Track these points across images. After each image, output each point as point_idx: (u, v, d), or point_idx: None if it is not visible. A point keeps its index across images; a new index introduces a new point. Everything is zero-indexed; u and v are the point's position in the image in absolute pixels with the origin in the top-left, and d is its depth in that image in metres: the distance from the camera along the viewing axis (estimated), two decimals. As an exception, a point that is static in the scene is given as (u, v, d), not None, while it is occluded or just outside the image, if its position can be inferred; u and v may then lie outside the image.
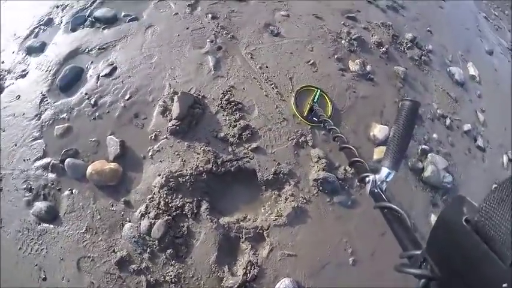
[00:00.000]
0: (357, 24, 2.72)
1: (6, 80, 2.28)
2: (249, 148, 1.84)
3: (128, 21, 2.41)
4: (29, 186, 1.84)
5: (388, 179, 0.90)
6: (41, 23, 2.55)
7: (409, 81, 2.54)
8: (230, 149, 1.82)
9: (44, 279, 1.64)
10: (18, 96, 2.15)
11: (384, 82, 2.40)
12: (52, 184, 1.82)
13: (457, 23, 3.85)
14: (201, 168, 1.73)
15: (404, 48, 2.80)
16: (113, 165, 1.78)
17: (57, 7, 2.64)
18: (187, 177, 1.71)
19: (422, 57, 2.86)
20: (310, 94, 2.08)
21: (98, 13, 2.47)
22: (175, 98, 1.88)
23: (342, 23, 2.63)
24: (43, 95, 2.10)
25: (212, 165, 1.74)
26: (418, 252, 0.56)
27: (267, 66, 2.16)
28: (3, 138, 2.01)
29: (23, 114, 2.06)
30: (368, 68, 2.37)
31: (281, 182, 1.80)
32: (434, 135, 2.36)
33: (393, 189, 1.97)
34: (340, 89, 2.19)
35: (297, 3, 2.68)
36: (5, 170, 1.90)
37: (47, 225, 1.74)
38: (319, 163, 1.86)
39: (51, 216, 1.75)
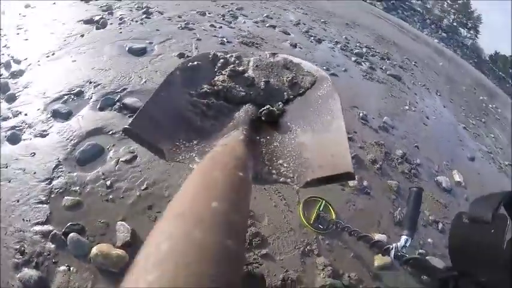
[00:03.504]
0: (354, 144, 2.98)
1: (24, 133, 2.26)
2: (259, 254, 1.89)
3: (154, 116, 2.59)
4: (22, 248, 1.71)
5: (407, 244, 1.15)
6: (71, 92, 2.62)
7: (401, 193, 2.70)
8: (240, 254, 1.92)
9: None
10: (33, 154, 2.12)
11: (379, 195, 2.55)
12: (49, 254, 1.72)
13: (440, 137, 4.27)
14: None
15: (395, 164, 3.04)
16: (120, 251, 1.72)
17: (90, 82, 2.75)
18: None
19: (412, 170, 3.14)
20: (315, 205, 2.18)
21: (127, 101, 2.57)
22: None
23: (341, 141, 2.95)
24: (59, 161, 2.08)
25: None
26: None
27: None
28: (7, 190, 1.93)
29: (34, 173, 2.01)
30: (365, 183, 2.54)
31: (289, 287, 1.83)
32: (429, 240, 2.48)
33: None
34: (340, 202, 2.32)
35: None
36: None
37: (32, 296, 1.58)
38: (324, 270, 1.92)
39: (40, 288, 1.58)
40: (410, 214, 1.22)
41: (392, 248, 1.14)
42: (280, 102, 0.86)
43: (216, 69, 0.90)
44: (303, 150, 0.69)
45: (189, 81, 0.84)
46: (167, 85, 0.77)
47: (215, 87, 0.84)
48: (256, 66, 0.92)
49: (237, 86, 0.86)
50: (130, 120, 0.66)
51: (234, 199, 0.38)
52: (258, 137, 0.73)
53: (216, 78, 0.87)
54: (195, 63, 0.88)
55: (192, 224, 0.32)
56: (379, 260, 2.16)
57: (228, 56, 0.95)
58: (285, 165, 0.65)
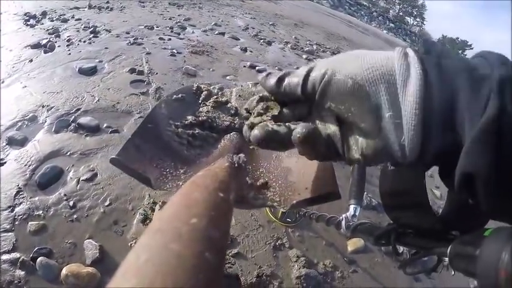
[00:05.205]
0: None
1: (-19, 164, 2.16)
2: (230, 254, 1.93)
3: (110, 133, 2.54)
4: (-8, 279, 1.66)
5: (356, 213, 1.19)
6: (25, 117, 2.58)
7: (366, 178, 2.85)
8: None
9: None
10: (-8, 184, 2.05)
11: (344, 183, 2.66)
12: (19, 282, 1.69)
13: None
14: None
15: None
16: (90, 269, 1.71)
17: (43, 107, 2.72)
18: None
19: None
20: (282, 200, 2.30)
21: (82, 120, 2.58)
22: (156, 207, 1.95)
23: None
24: (19, 188, 2.05)
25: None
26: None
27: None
28: (-31, 223, 1.85)
29: (-5, 203, 1.94)
30: (328, 172, 2.67)
31: (265, 283, 1.87)
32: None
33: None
34: (306, 194, 2.41)
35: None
36: (-35, 257, 1.71)
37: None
38: (298, 262, 1.98)
39: (14, 318, 1.55)
40: (356, 184, 1.25)
41: (342, 219, 1.16)
42: None
43: (200, 101, 0.91)
44: (288, 174, 0.71)
45: (174, 113, 0.85)
46: (153, 117, 0.78)
47: (200, 118, 0.84)
48: (239, 96, 0.92)
49: (221, 115, 0.87)
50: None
51: (213, 216, 0.38)
52: (243, 164, 0.73)
53: (200, 109, 0.88)
54: (179, 95, 0.90)
55: (171, 237, 0.32)
56: (352, 245, 2.21)
57: (211, 87, 0.96)
58: (271, 189, 0.66)
